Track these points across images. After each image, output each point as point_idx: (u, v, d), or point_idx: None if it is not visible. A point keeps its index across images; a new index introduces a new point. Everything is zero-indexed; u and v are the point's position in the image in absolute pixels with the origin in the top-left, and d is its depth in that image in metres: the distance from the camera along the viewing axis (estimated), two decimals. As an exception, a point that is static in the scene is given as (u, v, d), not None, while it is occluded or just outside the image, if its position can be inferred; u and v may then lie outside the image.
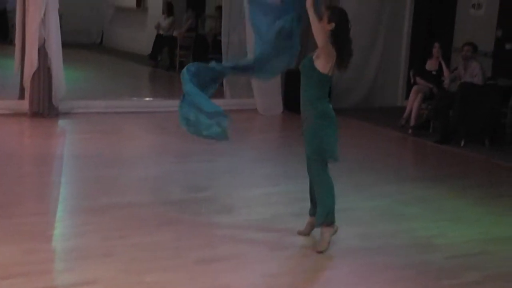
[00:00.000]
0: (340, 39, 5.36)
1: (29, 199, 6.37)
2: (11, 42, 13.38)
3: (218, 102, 11.09)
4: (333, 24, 5.32)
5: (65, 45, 10.22)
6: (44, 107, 9.74)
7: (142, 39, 17.37)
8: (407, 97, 11.19)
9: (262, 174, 7.72)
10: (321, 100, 5.56)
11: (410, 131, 10.18)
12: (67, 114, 10.03)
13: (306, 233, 5.74)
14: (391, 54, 12.40)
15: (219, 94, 11.64)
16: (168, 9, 15.81)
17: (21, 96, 9.95)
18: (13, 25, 12.86)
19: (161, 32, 15.75)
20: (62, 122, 9.77)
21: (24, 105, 9.83)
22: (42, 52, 9.66)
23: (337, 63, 5.42)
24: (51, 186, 6.84)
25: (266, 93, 11.29)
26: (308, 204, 5.82)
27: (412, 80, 10.76)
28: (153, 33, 16.01)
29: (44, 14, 9.54)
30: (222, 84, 11.68)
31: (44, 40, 9.65)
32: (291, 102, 11.35)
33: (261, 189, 7.11)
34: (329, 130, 5.61)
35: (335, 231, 5.52)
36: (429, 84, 10.38)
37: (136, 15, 18.44)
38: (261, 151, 8.92)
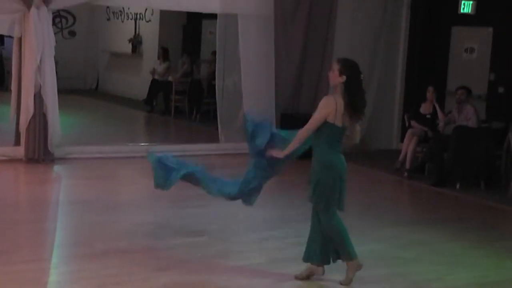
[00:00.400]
0: (352, 91, 5.52)
1: (24, 246, 6.34)
2: (7, 89, 13.45)
3: (212, 146, 11.32)
4: (344, 77, 5.49)
5: (61, 91, 10.29)
6: (39, 153, 9.75)
7: (138, 84, 17.47)
8: (402, 140, 11.25)
9: (258, 219, 7.70)
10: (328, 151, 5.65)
11: (405, 174, 10.21)
12: (62, 159, 10.04)
13: (304, 277, 5.74)
14: (386, 97, 12.48)
15: (214, 138, 11.71)
16: (164, 55, 15.93)
17: (17, 142, 9.98)
18: (9, 72, 12.96)
19: (156, 77, 15.85)
20: (57, 168, 9.78)
21: (20, 151, 9.85)
22: (38, 98, 9.72)
23: (349, 114, 5.51)
24: (46, 233, 6.82)
25: (261, 137, 11.30)
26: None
27: (407, 124, 10.82)
28: (148, 78, 16.12)
29: (40, 61, 9.63)
30: (216, 128, 11.76)
31: (40, 86, 9.71)
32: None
33: (257, 233, 7.11)
34: (332, 180, 5.66)
35: (359, 267, 5.67)
36: (424, 128, 10.44)
37: (131, 61, 18.57)
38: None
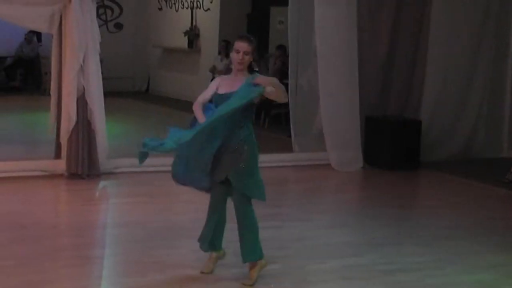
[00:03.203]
0: None
1: (66, 276, 6.45)
2: (45, 93, 13.78)
3: (284, 157, 11.33)
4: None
5: (107, 94, 10.47)
6: (83, 167, 9.94)
7: (195, 85, 17.63)
8: (512, 147, 11.08)
9: (340, 243, 7.69)
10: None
11: (519, 187, 10.06)
12: (109, 174, 10.21)
13: (210, 271, 6.44)
14: (494, 101, 12.30)
15: (287, 147, 11.72)
16: (225, 49, 16.04)
17: (57, 155, 10.20)
18: (48, 73, 13.26)
19: (216, 75, 15.97)
20: (103, 184, 9.94)
21: (61, 165, 10.06)
22: (82, 103, 9.91)
23: None
24: (92, 261, 6.92)
25: (342, 145, 11.29)
26: (398, 278, 5.72)
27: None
28: (207, 77, 16.25)
29: (83, 60, 9.82)
30: (289, 135, 11.76)
31: (84, 89, 9.91)
32: (372, 155, 11.34)
33: (339, 260, 7.07)
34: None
35: (264, 266, 6.35)
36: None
37: (187, 57, 18.78)
38: (337, 215, 8.88)
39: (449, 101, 11.94)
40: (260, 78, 6.19)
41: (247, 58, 6.23)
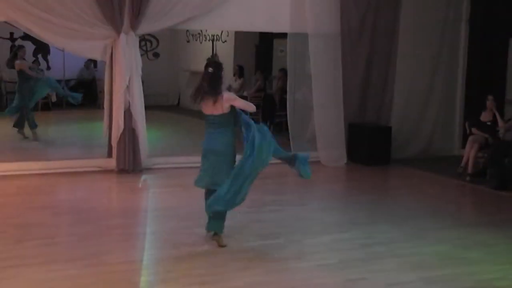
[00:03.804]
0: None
1: (117, 249, 6.47)
2: (100, 107, 13.79)
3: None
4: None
5: (147, 107, 10.48)
6: (129, 164, 9.96)
7: (215, 100, 17.63)
8: (463, 146, 11.00)
9: (330, 222, 7.67)
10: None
11: (467, 178, 9.98)
12: (149, 169, 10.22)
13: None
14: (447, 106, 12.26)
15: (286, 147, 11.67)
16: (239, 72, 16.06)
17: (109, 155, 10.22)
18: (102, 91, 13.26)
19: (232, 92, 15.99)
20: (145, 177, 9.92)
21: (112, 162, 10.08)
22: (128, 114, 9.93)
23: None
24: (136, 237, 6.94)
25: (330, 145, 11.27)
26: (374, 249, 5.71)
27: (468, 131, 10.58)
28: (225, 94, 16.25)
29: (129, 81, 9.84)
30: (288, 138, 11.74)
31: (129, 104, 9.93)
32: (354, 153, 11.32)
33: (329, 235, 7.06)
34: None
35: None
36: (484, 134, 10.20)
37: (209, 78, 18.76)
38: (327, 200, 8.87)
39: (413, 111, 11.90)
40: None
41: None
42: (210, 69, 6.34)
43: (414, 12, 11.61)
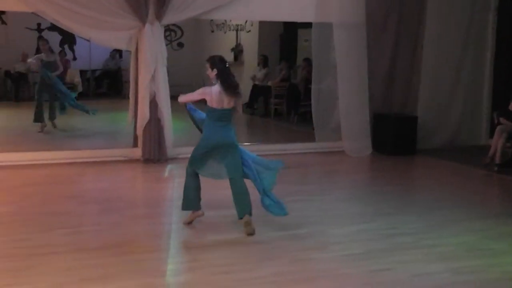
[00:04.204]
0: (224, 78, 6.43)
1: (143, 238, 6.52)
2: (125, 97, 13.88)
3: (308, 145, 11.33)
4: (215, 70, 6.45)
5: (172, 97, 10.49)
6: (154, 154, 10.02)
7: (239, 89, 17.64)
8: (491, 136, 10.89)
9: (353, 212, 7.66)
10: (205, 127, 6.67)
11: (495, 168, 9.89)
12: (174, 159, 10.27)
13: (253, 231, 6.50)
14: (475, 96, 12.17)
15: (310, 137, 11.70)
16: (263, 62, 16.06)
17: (135, 144, 10.29)
18: (127, 81, 13.33)
19: (256, 82, 15.98)
20: (170, 167, 10.00)
21: (137, 152, 10.15)
22: (153, 104, 9.99)
23: (229, 95, 6.47)
24: (162, 226, 6.98)
25: (355, 136, 11.24)
26: (399, 240, 5.68)
27: (496, 121, 10.47)
28: (249, 83, 16.25)
29: (154, 71, 9.88)
30: (313, 128, 11.73)
31: (155, 94, 9.98)
32: (379, 143, 11.27)
33: (353, 226, 7.04)
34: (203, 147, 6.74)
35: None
36: (512, 124, 10.12)
37: (233, 68, 18.49)
38: (351, 191, 8.85)
39: (439, 100, 11.81)
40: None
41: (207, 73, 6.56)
42: (228, 64, 6.59)
43: (441, 1, 11.50)
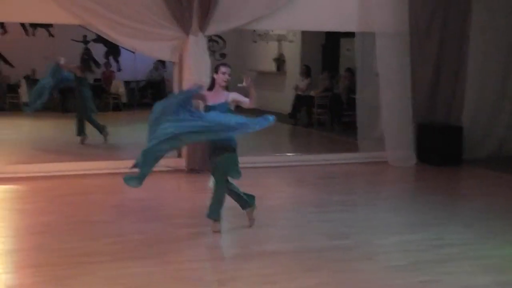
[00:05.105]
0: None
1: (187, 247, 6.50)
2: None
3: (351, 155, 11.23)
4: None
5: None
6: (199, 164, 10.03)
7: (282, 100, 17.61)
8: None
9: (399, 222, 7.54)
10: None
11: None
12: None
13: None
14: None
15: (353, 147, 11.60)
16: (306, 72, 16.02)
17: (179, 154, 10.32)
18: (171, 92, 13.37)
19: (299, 92, 15.94)
20: (213, 177, 9.98)
21: (182, 162, 10.19)
22: (197, 115, 10.00)
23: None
24: (206, 236, 6.93)
25: (398, 145, 11.10)
26: (447, 251, 5.57)
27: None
28: (291, 93, 16.22)
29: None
30: (355, 138, 11.63)
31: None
32: (424, 153, 11.11)
33: (398, 236, 6.93)
34: None
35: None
36: None
37: (276, 78, 18.75)
38: (395, 201, 8.71)
39: (485, 109, 11.60)
40: (237, 91, 6.98)
41: (230, 79, 6.78)
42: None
43: (486, 10, 11.32)
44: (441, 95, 11.48)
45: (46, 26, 18.31)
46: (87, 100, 12.38)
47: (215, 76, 6.84)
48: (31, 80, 17.57)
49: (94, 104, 12.69)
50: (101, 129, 12.61)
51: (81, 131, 12.51)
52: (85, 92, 12.37)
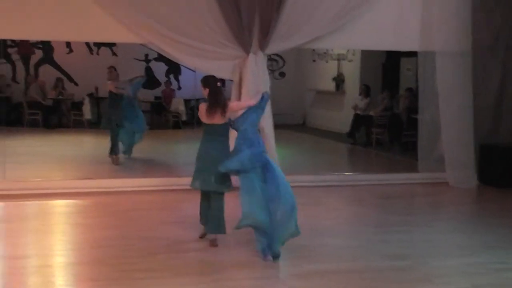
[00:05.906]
0: (212, 96, 7.01)
1: (243, 264, 6.48)
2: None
3: (411, 175, 11.06)
4: (207, 89, 7.06)
5: (275, 126, 10.57)
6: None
7: (341, 119, 17.56)
8: None
9: (458, 245, 7.39)
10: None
11: None
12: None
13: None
14: None
15: (413, 168, 11.45)
16: (365, 91, 15.94)
17: (236, 172, 10.36)
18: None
19: (358, 112, 15.85)
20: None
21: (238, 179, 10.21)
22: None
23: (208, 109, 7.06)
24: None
25: (459, 166, 10.92)
26: (508, 275, 5.44)
27: None
28: (350, 113, 16.15)
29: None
30: (415, 158, 11.49)
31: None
32: (486, 175, 10.89)
33: (457, 259, 6.80)
34: None
35: None
36: None
37: (335, 97, 18.73)
38: (455, 222, 8.55)
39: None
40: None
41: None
42: (219, 83, 7.25)
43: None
44: (505, 115, 11.26)
45: (110, 45, 18.77)
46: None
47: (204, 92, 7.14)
48: (94, 98, 18.03)
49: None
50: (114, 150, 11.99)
51: (127, 150, 12.36)
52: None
